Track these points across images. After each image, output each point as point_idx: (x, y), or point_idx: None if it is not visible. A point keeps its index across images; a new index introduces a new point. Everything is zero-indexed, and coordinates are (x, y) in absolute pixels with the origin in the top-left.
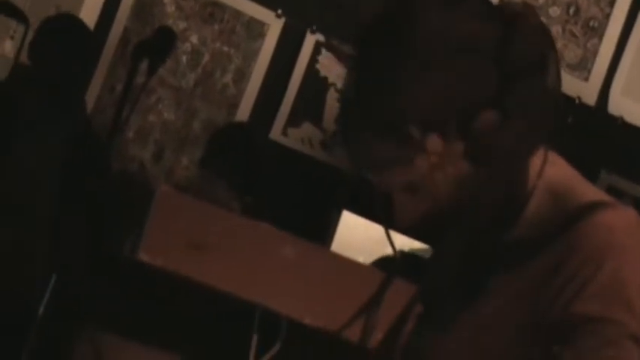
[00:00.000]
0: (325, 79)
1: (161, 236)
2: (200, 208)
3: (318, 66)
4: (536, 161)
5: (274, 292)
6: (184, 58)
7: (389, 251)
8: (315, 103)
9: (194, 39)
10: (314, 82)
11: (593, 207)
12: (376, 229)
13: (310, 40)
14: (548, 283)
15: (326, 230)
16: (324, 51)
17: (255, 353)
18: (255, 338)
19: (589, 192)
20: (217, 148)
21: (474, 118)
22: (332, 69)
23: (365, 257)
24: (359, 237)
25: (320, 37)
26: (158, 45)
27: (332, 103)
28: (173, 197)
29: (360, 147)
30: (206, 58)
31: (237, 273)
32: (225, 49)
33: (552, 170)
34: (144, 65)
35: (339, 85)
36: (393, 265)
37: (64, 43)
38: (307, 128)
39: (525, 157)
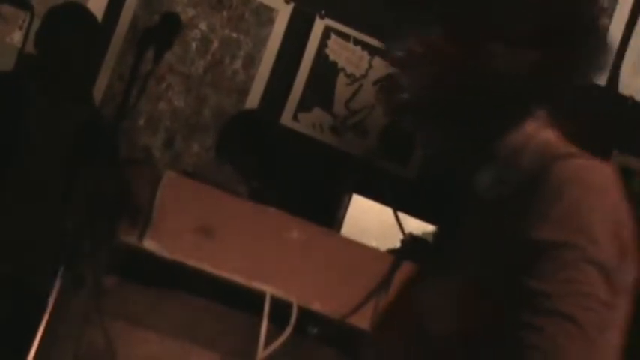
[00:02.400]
0: (335, 63)
1: (168, 223)
2: (207, 193)
3: (327, 51)
4: (530, 125)
5: (283, 277)
6: (194, 45)
7: (399, 235)
8: (325, 88)
9: (203, 26)
10: (324, 67)
11: (570, 155)
12: (386, 213)
13: (319, 25)
14: (513, 216)
15: (336, 215)
16: (333, 36)
17: (265, 339)
18: (264, 324)
19: (572, 149)
20: (228, 134)
21: (496, 39)
22: (341, 54)
23: (375, 241)
24: (369, 221)
25: (329, 21)
26: (164, 32)
27: (342, 87)
28: (180, 183)
29: (398, 14)
30: (215, 44)
31: (245, 258)
32: (235, 35)
33: (547, 134)
34: (150, 53)
35: (349, 69)
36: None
37: (71, 31)
38: (317, 113)
39: (519, 101)
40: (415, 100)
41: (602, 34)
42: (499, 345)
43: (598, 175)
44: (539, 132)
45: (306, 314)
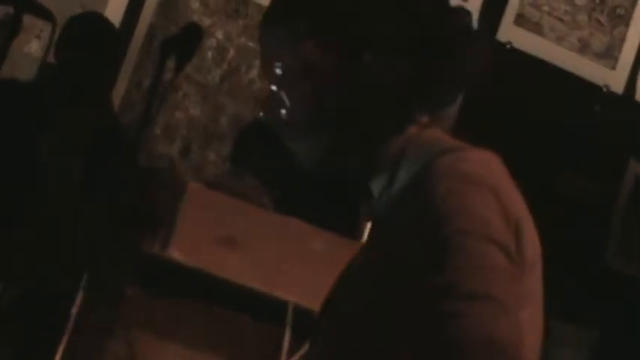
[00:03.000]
0: None
1: (191, 233)
2: (230, 204)
3: None
4: (412, 128)
5: (306, 287)
6: (209, 54)
7: None
8: None
9: (219, 35)
10: None
11: (449, 149)
12: None
13: None
14: (406, 218)
15: (356, 224)
16: None
17: (288, 349)
18: (287, 334)
19: (454, 143)
20: (245, 143)
21: (363, 44)
22: None
23: None
24: None
25: None
26: (185, 41)
27: None
28: (203, 194)
29: (268, 31)
30: (231, 53)
31: (268, 268)
32: (251, 44)
33: (429, 133)
34: (171, 62)
35: None
36: None
37: (90, 41)
38: None
39: (395, 111)
40: (294, 115)
41: (477, 41)
42: (419, 339)
43: (475, 164)
44: (420, 133)
45: None
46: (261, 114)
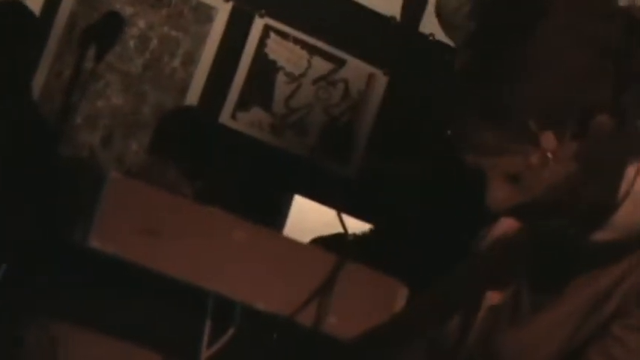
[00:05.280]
0: (274, 62)
1: (112, 223)
2: (151, 194)
3: (266, 49)
4: (631, 171)
5: (227, 277)
6: (132, 43)
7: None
8: (264, 87)
9: (142, 23)
10: (263, 65)
11: None
12: (329, 213)
13: (259, 24)
14: (624, 284)
15: (278, 214)
16: (272, 34)
17: (209, 339)
18: (208, 324)
19: None
20: (167, 132)
21: (590, 120)
22: (281, 52)
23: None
24: (311, 221)
25: (268, 20)
26: (106, 30)
27: (281, 86)
28: (124, 183)
29: (476, 132)
30: (154, 42)
31: (189, 258)
32: (174, 33)
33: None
34: (91, 51)
35: (288, 68)
36: (345, 248)
37: (9, 29)
38: (256, 112)
39: (627, 165)
40: (545, 200)
41: None
42: None
43: None
44: (636, 178)
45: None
46: (489, 207)
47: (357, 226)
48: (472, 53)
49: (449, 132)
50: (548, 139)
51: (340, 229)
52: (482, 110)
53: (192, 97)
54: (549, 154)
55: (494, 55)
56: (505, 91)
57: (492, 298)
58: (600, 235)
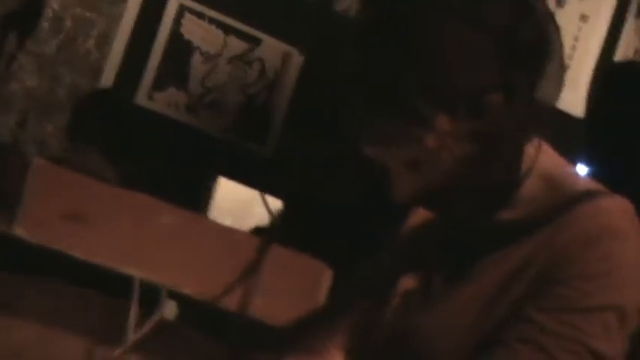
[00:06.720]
0: (189, 42)
1: (37, 209)
2: (76, 180)
3: (182, 29)
4: (530, 148)
5: (153, 261)
6: (46, 25)
7: (258, 213)
8: (179, 67)
9: (55, 5)
10: (178, 45)
11: (592, 193)
12: (253, 195)
13: (173, 4)
14: (535, 260)
15: (202, 196)
16: (187, 14)
17: (135, 324)
18: (133, 309)
19: (582, 181)
20: (83, 115)
21: (482, 100)
22: (196, 32)
23: (243, 223)
24: (237, 203)
25: (183, 0)
26: (26, 15)
27: (197, 66)
28: (48, 169)
29: (367, 122)
30: (68, 23)
31: (115, 244)
32: (87, 14)
33: (545, 157)
34: (12, 36)
35: (204, 48)
36: (270, 231)
37: None
38: (173, 92)
39: (524, 142)
40: (437, 184)
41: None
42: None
43: (626, 220)
44: (537, 156)
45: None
46: (394, 199)
47: (279, 205)
48: (359, 47)
49: (343, 126)
50: (442, 121)
51: (264, 211)
52: (372, 99)
53: (108, 78)
54: (445, 137)
55: (380, 43)
56: (393, 77)
57: (406, 283)
58: (506, 214)
